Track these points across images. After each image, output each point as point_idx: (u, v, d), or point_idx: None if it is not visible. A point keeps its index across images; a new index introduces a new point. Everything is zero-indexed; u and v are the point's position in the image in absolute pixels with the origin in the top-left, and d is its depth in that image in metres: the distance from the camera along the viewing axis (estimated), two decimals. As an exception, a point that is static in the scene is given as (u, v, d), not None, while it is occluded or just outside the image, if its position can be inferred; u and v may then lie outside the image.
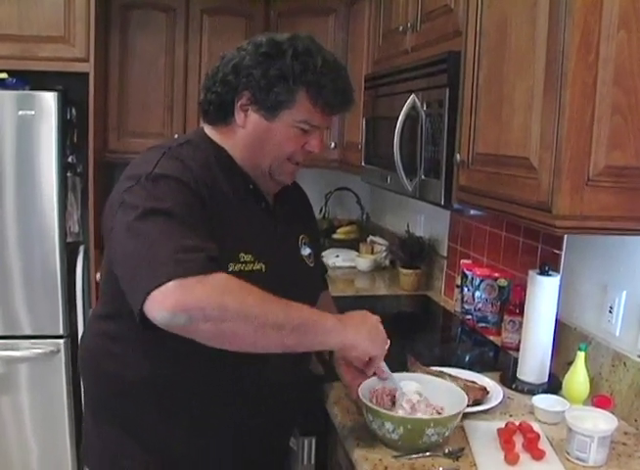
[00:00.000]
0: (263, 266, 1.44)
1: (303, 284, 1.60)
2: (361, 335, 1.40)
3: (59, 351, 2.98)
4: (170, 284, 1.16)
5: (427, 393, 1.53)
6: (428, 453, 1.41)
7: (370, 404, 1.42)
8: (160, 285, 1.16)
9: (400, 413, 1.44)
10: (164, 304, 1.16)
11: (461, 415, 1.45)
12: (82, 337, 1.65)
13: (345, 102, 1.51)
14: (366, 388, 1.49)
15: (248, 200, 1.51)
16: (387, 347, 1.47)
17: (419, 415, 1.44)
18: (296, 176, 1.61)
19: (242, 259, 1.40)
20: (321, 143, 1.53)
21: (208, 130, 1.55)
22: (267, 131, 1.46)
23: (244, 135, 1.48)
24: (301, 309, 1.31)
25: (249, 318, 1.22)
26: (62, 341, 2.99)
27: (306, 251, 1.64)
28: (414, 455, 1.40)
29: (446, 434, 1.43)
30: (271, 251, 1.49)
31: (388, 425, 1.39)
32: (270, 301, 1.26)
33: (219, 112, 1.49)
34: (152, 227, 1.24)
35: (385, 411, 1.41)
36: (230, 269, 1.37)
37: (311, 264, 1.65)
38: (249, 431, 1.52)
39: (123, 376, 1.44)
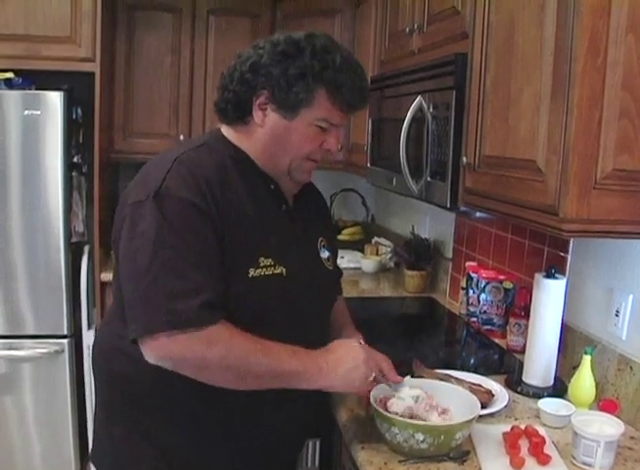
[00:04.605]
0: (284, 270, 1.44)
1: (322, 288, 1.60)
2: (336, 380, 1.41)
3: (63, 350, 2.99)
4: (160, 336, 1.27)
5: (432, 395, 1.53)
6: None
7: (400, 418, 1.40)
8: (151, 333, 1.27)
9: (433, 421, 1.44)
10: (152, 351, 1.30)
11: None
12: (96, 338, 1.65)
13: (363, 100, 1.50)
14: (374, 396, 1.48)
15: (267, 202, 1.50)
16: (370, 379, 1.45)
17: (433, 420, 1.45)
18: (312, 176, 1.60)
19: (262, 264, 1.41)
20: (339, 142, 1.52)
21: (225, 131, 1.53)
22: (286, 130, 1.45)
23: (262, 134, 1.47)
24: (283, 360, 1.35)
25: (228, 370, 1.32)
26: (65, 341, 3.00)
27: (325, 254, 1.64)
28: (421, 458, 1.40)
29: (467, 435, 1.43)
30: (291, 254, 1.49)
31: (419, 435, 1.37)
32: (254, 352, 1.32)
33: (237, 111, 1.48)
34: (151, 260, 1.29)
35: (416, 422, 1.40)
36: (250, 275, 1.39)
37: (330, 268, 1.65)
38: (265, 439, 1.51)
39: (136, 378, 1.44)
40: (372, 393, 1.48)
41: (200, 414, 1.44)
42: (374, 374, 1.45)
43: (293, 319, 1.44)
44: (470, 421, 1.41)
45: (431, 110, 1.96)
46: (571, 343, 1.90)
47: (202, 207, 1.33)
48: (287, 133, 1.45)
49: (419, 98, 2.01)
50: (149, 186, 1.35)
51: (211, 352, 1.29)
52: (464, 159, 1.80)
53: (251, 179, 1.48)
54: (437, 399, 1.52)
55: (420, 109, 2.01)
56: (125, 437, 1.49)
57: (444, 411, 1.49)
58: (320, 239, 1.64)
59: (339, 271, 1.79)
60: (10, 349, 2.95)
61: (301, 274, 1.49)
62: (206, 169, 1.39)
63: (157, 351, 1.29)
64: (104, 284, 3.13)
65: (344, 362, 1.41)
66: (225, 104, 1.49)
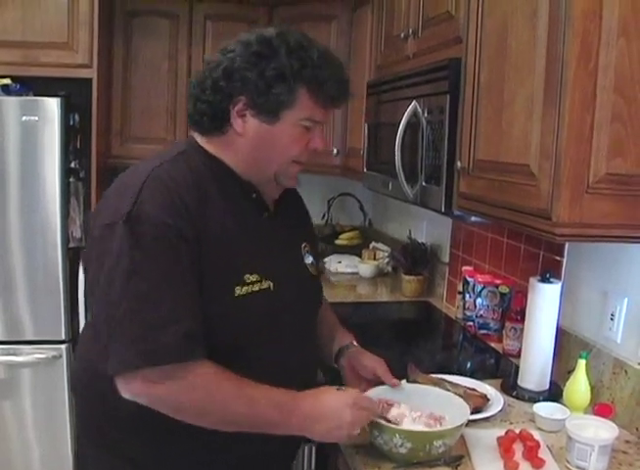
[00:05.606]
0: (271, 284, 1.39)
1: (309, 296, 1.58)
2: (316, 436, 1.37)
3: (61, 356, 2.98)
4: (136, 374, 1.22)
5: (427, 402, 1.52)
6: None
7: (377, 420, 1.40)
8: (126, 370, 1.23)
9: (407, 427, 1.43)
10: (129, 389, 1.25)
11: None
12: (76, 356, 1.57)
13: (345, 93, 1.43)
14: None
15: (248, 212, 1.44)
16: (356, 432, 1.37)
17: (421, 427, 1.44)
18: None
19: (248, 281, 1.35)
20: (324, 139, 1.46)
21: (201, 141, 1.44)
22: (270, 136, 1.38)
23: (244, 144, 1.40)
24: (265, 412, 1.30)
25: (207, 416, 1.28)
26: (64, 346, 2.99)
27: (309, 259, 1.59)
28: (414, 462, 1.40)
29: (452, 444, 1.42)
30: (277, 265, 1.44)
31: (397, 439, 1.36)
32: (235, 398, 1.28)
33: (214, 121, 1.39)
34: (124, 291, 1.23)
35: (393, 426, 1.39)
36: (237, 293, 1.33)
37: (314, 273, 1.61)
38: (252, 455, 1.45)
39: (119, 398, 1.31)
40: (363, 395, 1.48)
41: (185, 435, 1.35)
42: (358, 430, 1.38)
43: (282, 332, 1.41)
44: (451, 430, 1.40)
45: (425, 114, 1.97)
46: (567, 347, 1.90)
47: (178, 228, 1.26)
48: (271, 138, 1.39)
49: (414, 103, 2.02)
50: (120, 207, 1.27)
51: (190, 398, 1.25)
52: (458, 163, 1.80)
53: (231, 190, 1.41)
54: (431, 407, 1.51)
55: (415, 113, 2.01)
56: (109, 460, 1.43)
57: (439, 419, 1.48)
58: (304, 244, 1.59)
59: (320, 272, 1.74)
60: (8, 354, 2.95)
61: (289, 285, 1.45)
62: (183, 186, 1.31)
63: (132, 390, 1.24)
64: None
65: (329, 420, 1.34)
66: (200, 115, 1.40)
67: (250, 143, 1.40)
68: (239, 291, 1.34)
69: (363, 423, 1.39)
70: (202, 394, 1.26)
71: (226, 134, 1.40)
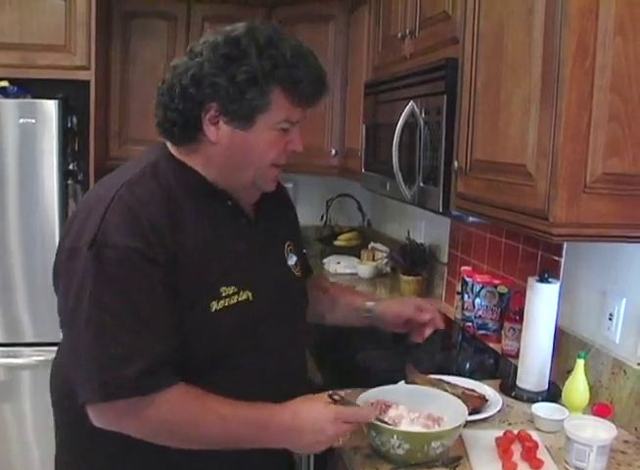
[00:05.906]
0: (250, 295, 1.34)
1: (294, 300, 1.52)
2: (298, 447, 1.35)
3: (60, 358, 2.98)
4: (104, 406, 1.20)
5: (425, 403, 1.52)
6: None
7: (375, 422, 1.39)
8: (92, 402, 1.21)
9: (405, 428, 1.42)
10: (100, 420, 1.24)
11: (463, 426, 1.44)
12: (54, 365, 1.53)
13: (322, 90, 1.35)
14: (363, 400, 1.47)
15: (225, 221, 1.38)
16: (338, 444, 1.39)
17: (419, 428, 1.43)
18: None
19: (224, 294, 1.30)
20: (302, 138, 1.38)
21: (173, 150, 1.38)
22: (246, 142, 1.31)
23: (218, 152, 1.33)
24: (239, 423, 1.26)
25: (184, 441, 1.27)
26: (63, 348, 2.99)
27: (292, 259, 1.54)
28: (412, 464, 1.39)
29: (450, 445, 1.42)
30: (257, 274, 1.39)
31: (394, 441, 1.36)
32: (205, 418, 1.24)
33: (185, 130, 1.32)
34: (86, 323, 1.20)
35: (390, 427, 1.39)
36: (213, 308, 1.29)
37: (298, 274, 1.56)
38: (247, 464, 1.40)
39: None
40: (361, 395, 1.48)
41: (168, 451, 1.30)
42: (340, 442, 1.38)
43: (260, 341, 1.37)
44: (449, 430, 1.39)
45: (423, 115, 1.96)
46: (565, 347, 1.89)
47: (145, 252, 1.21)
48: (247, 145, 1.32)
49: (411, 103, 2.01)
50: (85, 232, 1.23)
51: (162, 426, 1.24)
52: (455, 163, 1.79)
53: (204, 200, 1.35)
54: (430, 408, 1.50)
55: (412, 114, 2.01)
56: (74, 462, 1.42)
57: (437, 420, 1.48)
58: (287, 244, 1.54)
59: (305, 261, 1.68)
60: (8, 356, 2.96)
61: (269, 292, 1.40)
62: (150, 205, 1.26)
63: (103, 420, 1.23)
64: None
65: (308, 435, 1.29)
66: (170, 124, 1.33)
67: (224, 151, 1.33)
68: (215, 306, 1.29)
69: (345, 435, 1.36)
70: (173, 420, 1.24)
71: (199, 143, 1.34)
